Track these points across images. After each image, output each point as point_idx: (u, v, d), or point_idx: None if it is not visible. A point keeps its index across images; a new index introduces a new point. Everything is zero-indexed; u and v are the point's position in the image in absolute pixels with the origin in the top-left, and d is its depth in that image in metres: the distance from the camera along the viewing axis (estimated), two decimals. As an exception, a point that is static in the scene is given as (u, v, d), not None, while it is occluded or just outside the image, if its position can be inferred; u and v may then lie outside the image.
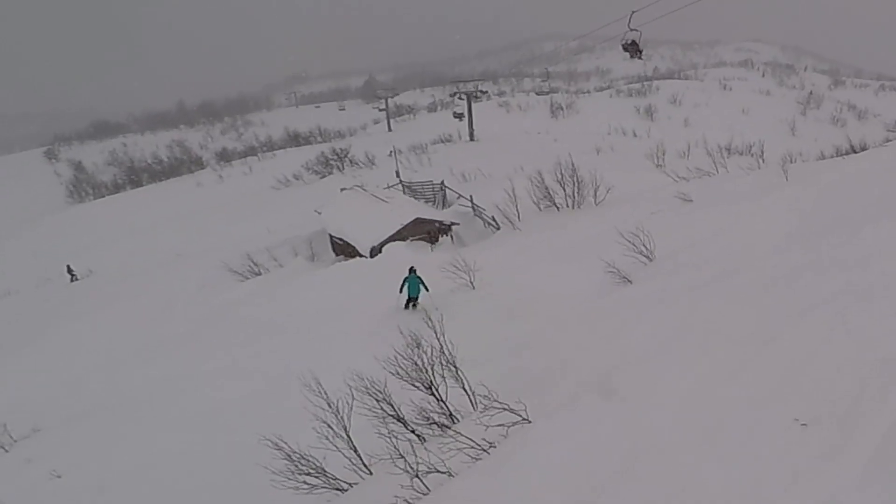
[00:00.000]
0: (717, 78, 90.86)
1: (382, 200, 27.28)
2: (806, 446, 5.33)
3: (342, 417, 9.10)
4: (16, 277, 41.14)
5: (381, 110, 74.72)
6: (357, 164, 48.93)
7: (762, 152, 28.77)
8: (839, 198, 14.33)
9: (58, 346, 22.62)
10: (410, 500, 7.20)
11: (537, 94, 68.01)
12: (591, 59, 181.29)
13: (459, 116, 51.92)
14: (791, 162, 23.54)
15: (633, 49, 20.73)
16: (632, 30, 19.83)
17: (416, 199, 30.14)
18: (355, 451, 9.15)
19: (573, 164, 23.62)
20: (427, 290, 16.98)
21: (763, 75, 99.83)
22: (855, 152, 23.44)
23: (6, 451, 15.39)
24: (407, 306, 17.24)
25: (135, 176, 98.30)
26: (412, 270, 17.41)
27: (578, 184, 23.59)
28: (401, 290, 17.15)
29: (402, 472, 7.50)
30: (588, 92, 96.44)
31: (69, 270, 35.94)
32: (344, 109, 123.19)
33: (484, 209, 26.56)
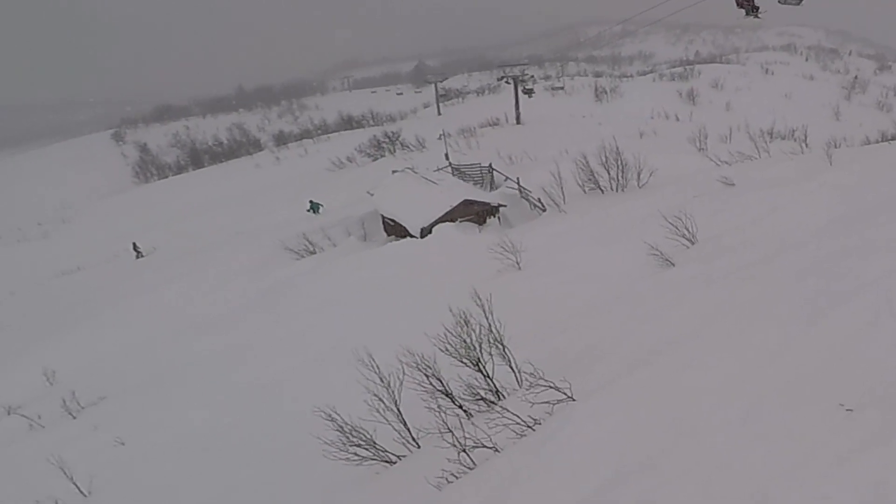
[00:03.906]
0: (759, 62, 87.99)
1: (432, 182, 27.46)
2: (851, 431, 5.23)
3: (393, 391, 9.38)
4: (85, 254, 43.22)
5: (437, 92, 74.82)
6: (408, 147, 49.22)
7: (805, 137, 27.90)
8: (884, 182, 13.90)
9: (123, 318, 23.73)
10: (457, 474, 7.38)
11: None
12: (635, 43, 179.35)
13: (529, 92, 52.27)
14: (835, 146, 22.89)
15: (748, 5, 18.69)
16: None
17: (464, 181, 30.22)
18: (405, 424, 9.43)
19: (617, 148, 23.56)
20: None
21: (806, 60, 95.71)
22: (901, 137, 22.57)
23: (74, 417, 16.19)
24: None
25: (196, 157, 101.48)
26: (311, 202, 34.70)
27: (622, 167, 23.52)
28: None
29: (449, 446, 7.69)
30: (631, 76, 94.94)
31: (135, 248, 37.52)
32: (401, 94, 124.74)
33: (530, 191, 26.55)
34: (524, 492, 6.28)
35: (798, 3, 18.34)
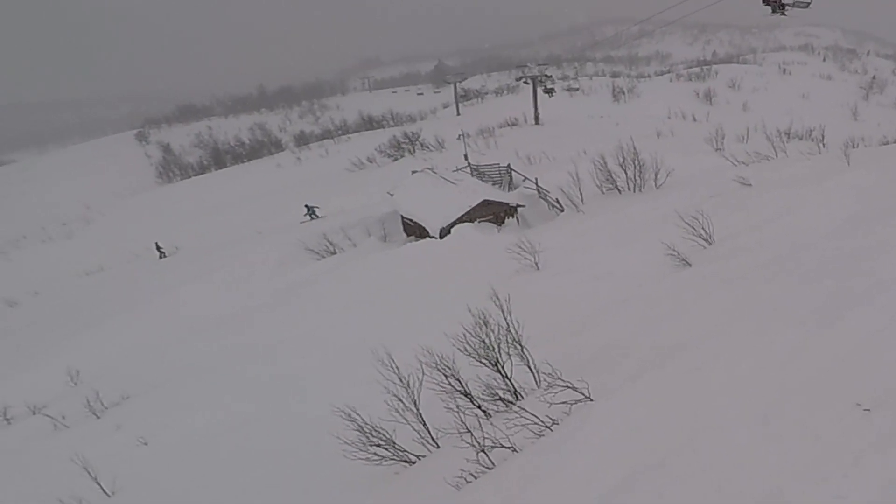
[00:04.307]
0: (776, 62, 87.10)
1: (451, 183, 27.55)
2: (868, 431, 5.24)
3: (412, 391, 9.43)
4: (108, 254, 43.82)
5: (457, 92, 75.20)
6: (427, 147, 49.43)
7: (823, 137, 27.50)
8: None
9: (146, 317, 23.95)
10: (476, 474, 7.42)
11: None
12: (652, 43, 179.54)
13: (550, 92, 52.45)
14: (853, 146, 22.63)
15: (775, 2, 18.54)
16: None
17: (483, 181, 30.27)
18: (424, 424, 9.47)
19: (634, 148, 23.50)
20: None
21: (824, 60, 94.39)
22: (920, 136, 22.35)
23: (98, 417, 16.26)
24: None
25: (219, 157, 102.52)
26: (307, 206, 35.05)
27: (639, 167, 23.49)
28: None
29: (468, 446, 7.75)
30: (648, 76, 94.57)
31: (157, 247, 38.00)
32: (422, 94, 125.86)
33: (548, 192, 26.58)
34: (542, 492, 6.32)
35: (806, 7, 18.21)
